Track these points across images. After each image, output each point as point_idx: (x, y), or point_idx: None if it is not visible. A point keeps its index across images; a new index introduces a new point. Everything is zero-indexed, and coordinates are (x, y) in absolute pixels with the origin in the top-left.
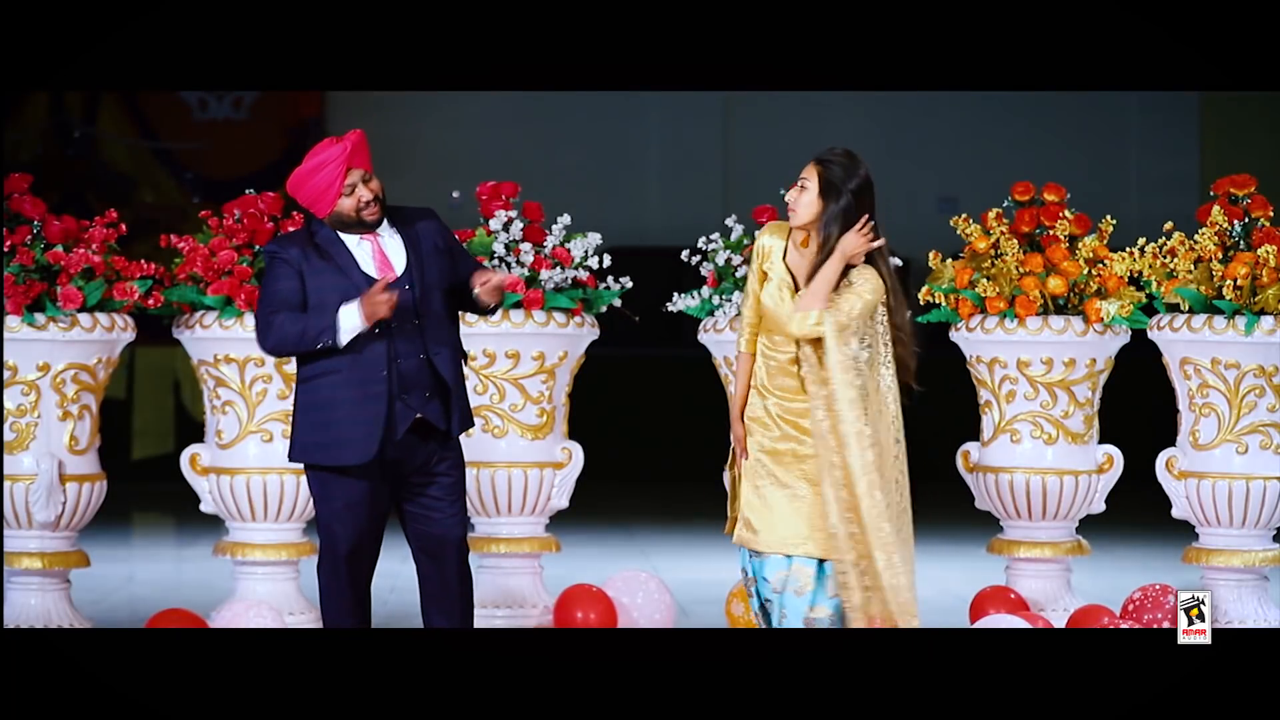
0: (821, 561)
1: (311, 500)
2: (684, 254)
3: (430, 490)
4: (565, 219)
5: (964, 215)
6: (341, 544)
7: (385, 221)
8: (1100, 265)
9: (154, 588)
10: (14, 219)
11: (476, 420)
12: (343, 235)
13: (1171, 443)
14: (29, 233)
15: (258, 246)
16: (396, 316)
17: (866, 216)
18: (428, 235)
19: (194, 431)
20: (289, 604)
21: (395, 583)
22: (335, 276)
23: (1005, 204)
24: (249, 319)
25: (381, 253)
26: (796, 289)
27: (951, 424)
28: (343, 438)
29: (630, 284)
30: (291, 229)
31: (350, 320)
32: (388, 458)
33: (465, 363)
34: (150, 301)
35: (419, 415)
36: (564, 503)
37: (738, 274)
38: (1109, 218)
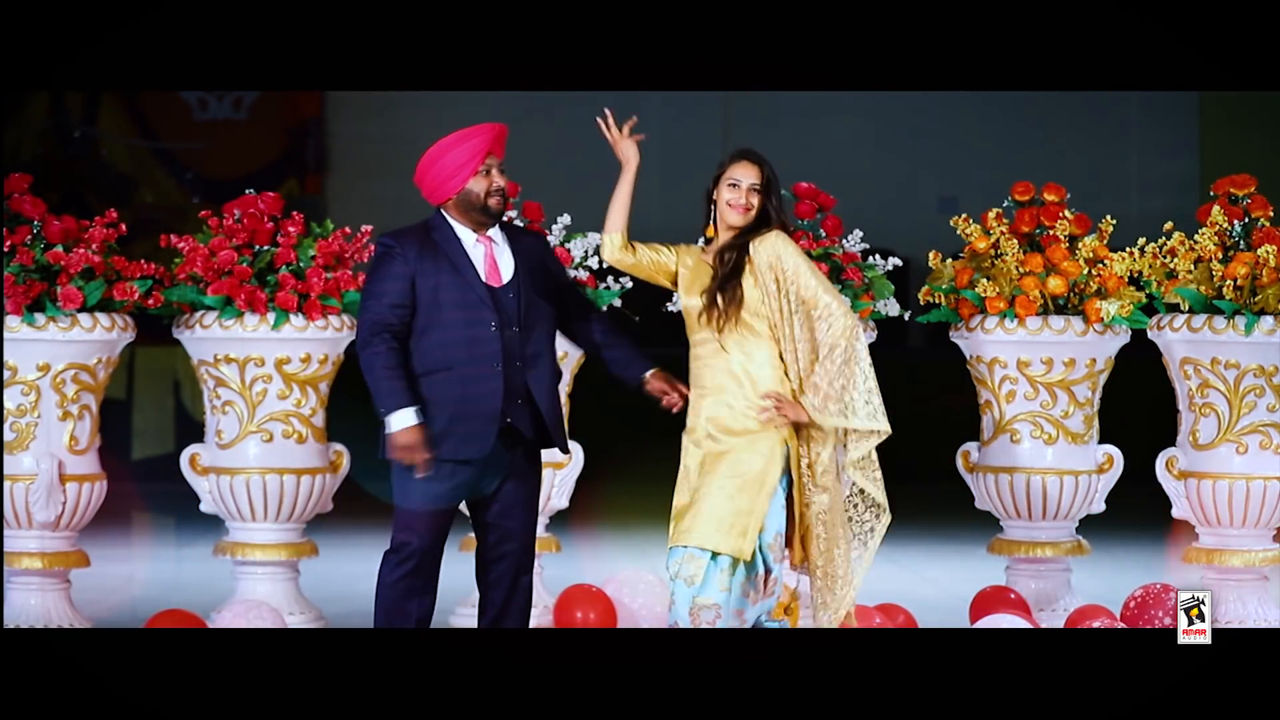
0: (715, 554)
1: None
2: None
3: (509, 496)
4: (565, 219)
5: (964, 215)
6: (418, 542)
7: (499, 229)
8: (1100, 265)
9: (154, 588)
10: (14, 219)
11: None
12: (459, 233)
13: (1171, 443)
14: (29, 233)
15: (258, 246)
16: (503, 324)
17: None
18: (536, 251)
19: (194, 431)
20: (289, 604)
21: None
22: (450, 277)
23: (1005, 204)
24: (249, 319)
25: (493, 258)
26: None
27: (951, 424)
28: (455, 432)
29: (630, 284)
30: (401, 226)
31: (394, 426)
32: (477, 459)
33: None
34: (150, 301)
35: (509, 421)
36: (564, 503)
37: None
38: (1109, 218)
